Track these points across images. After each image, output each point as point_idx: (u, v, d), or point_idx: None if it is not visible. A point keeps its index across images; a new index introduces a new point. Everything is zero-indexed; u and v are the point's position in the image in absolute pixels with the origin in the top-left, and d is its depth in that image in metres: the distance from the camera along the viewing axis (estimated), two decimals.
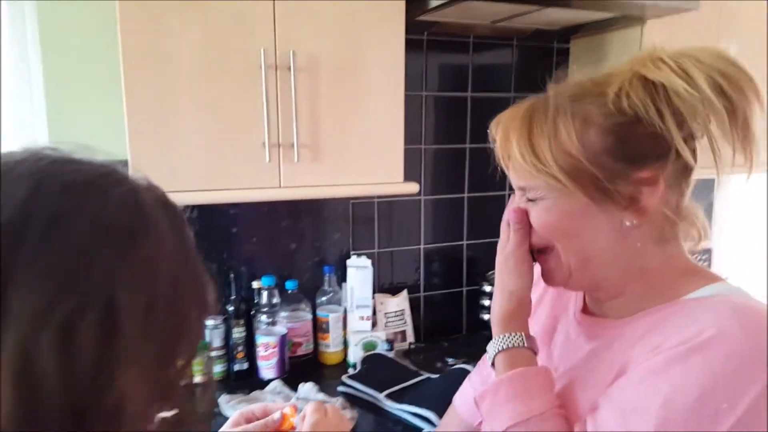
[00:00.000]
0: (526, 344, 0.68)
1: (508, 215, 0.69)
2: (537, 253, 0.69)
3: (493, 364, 0.69)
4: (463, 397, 1.06)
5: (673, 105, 0.58)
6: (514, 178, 0.67)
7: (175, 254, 0.43)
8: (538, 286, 0.82)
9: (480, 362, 1.07)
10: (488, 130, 0.69)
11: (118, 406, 0.38)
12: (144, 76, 1.16)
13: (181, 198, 1.30)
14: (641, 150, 0.60)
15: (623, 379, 0.60)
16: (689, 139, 0.60)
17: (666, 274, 0.65)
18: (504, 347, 0.67)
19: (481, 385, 1.03)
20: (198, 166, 1.22)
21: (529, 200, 0.66)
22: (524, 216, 0.67)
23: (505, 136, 0.65)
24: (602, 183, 0.60)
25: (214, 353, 1.51)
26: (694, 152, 0.62)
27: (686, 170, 0.62)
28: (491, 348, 0.69)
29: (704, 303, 0.60)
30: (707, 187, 2.26)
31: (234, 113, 1.22)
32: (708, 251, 2.23)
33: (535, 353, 0.69)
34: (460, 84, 1.75)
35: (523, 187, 0.66)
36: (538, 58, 1.81)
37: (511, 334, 0.68)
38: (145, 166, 1.17)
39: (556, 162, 0.60)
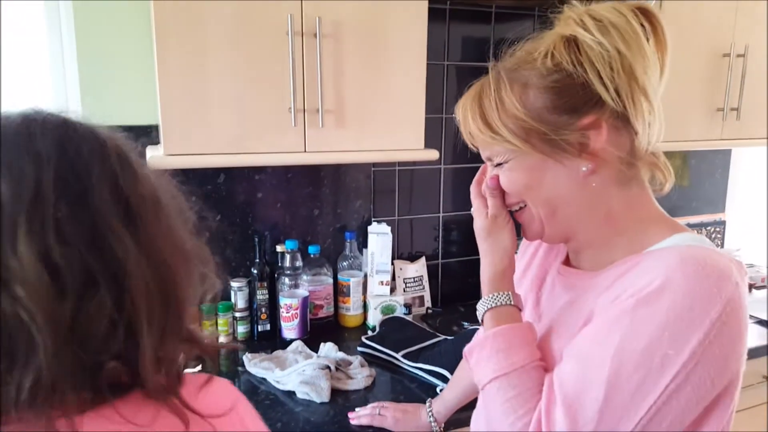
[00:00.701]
0: (512, 302, 0.73)
1: (482, 186, 0.77)
2: (514, 213, 0.76)
3: (483, 322, 0.74)
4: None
5: (584, 53, 0.65)
6: (480, 151, 0.75)
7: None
8: (533, 242, 0.88)
9: None
10: (453, 116, 0.76)
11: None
12: (175, 42, 1.19)
13: (210, 160, 1.35)
14: (576, 100, 0.66)
15: (584, 331, 0.65)
16: (606, 87, 0.65)
17: (632, 220, 0.70)
18: (492, 305, 0.73)
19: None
20: (226, 130, 1.26)
21: (496, 166, 0.73)
22: (498, 182, 0.74)
23: (463, 116, 0.73)
24: (549, 136, 0.66)
25: (238, 314, 1.58)
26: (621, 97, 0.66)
27: (625, 113, 0.66)
28: (481, 307, 0.74)
29: (659, 254, 0.65)
30: (724, 159, 2.26)
31: (261, 79, 1.26)
32: (722, 223, 2.23)
33: (520, 310, 0.75)
34: (481, 54, 1.76)
35: (489, 157, 0.74)
36: None
37: (499, 293, 0.73)
38: (176, 130, 1.23)
39: (506, 127, 0.68)
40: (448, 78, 1.74)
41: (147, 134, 1.47)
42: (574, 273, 0.76)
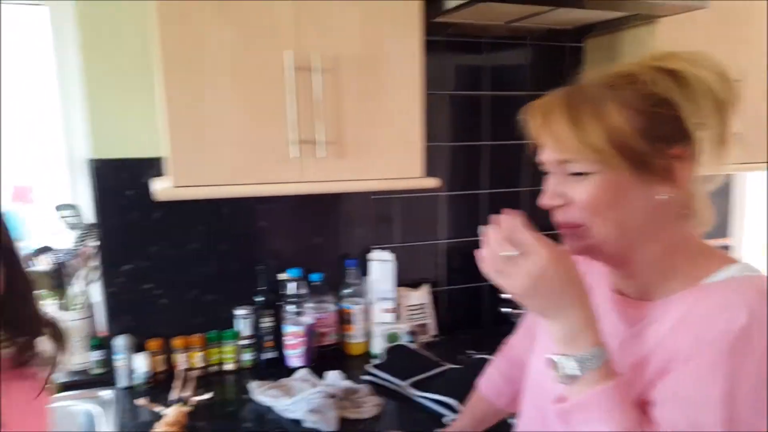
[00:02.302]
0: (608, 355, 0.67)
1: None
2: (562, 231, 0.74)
3: (584, 375, 0.66)
4: (488, 382, 1.11)
5: (687, 89, 0.67)
6: (555, 153, 0.71)
7: None
8: None
9: (506, 348, 1.11)
10: (519, 117, 0.74)
11: None
12: (182, 79, 1.23)
13: (216, 191, 1.39)
14: (670, 129, 0.68)
15: (677, 375, 0.65)
16: (699, 124, 0.68)
17: (686, 252, 0.72)
18: (605, 359, 0.66)
19: (509, 369, 1.06)
20: (230, 162, 1.29)
21: (572, 174, 0.71)
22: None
23: (545, 118, 0.71)
24: (644, 156, 0.67)
25: (243, 342, 1.58)
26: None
27: (696, 154, 0.69)
28: (587, 363, 0.66)
29: (728, 287, 0.66)
30: (724, 185, 2.26)
31: (263, 113, 1.29)
32: (726, 248, 2.24)
33: None
34: (477, 83, 1.80)
35: (565, 160, 0.71)
36: (552, 57, 1.86)
37: (602, 346, 0.67)
38: (183, 163, 1.26)
39: (604, 137, 0.67)
40: (446, 107, 1.78)
41: (151, 167, 1.50)
42: (632, 303, 0.75)
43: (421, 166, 1.44)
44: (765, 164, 1.84)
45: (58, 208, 1.55)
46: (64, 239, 1.58)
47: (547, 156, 0.73)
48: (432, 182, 1.47)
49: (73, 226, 1.56)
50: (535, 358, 0.88)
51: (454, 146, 1.80)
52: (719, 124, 0.67)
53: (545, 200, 0.74)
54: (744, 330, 0.61)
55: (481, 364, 1.20)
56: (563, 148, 0.70)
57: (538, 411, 0.84)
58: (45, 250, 1.57)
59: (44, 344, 0.78)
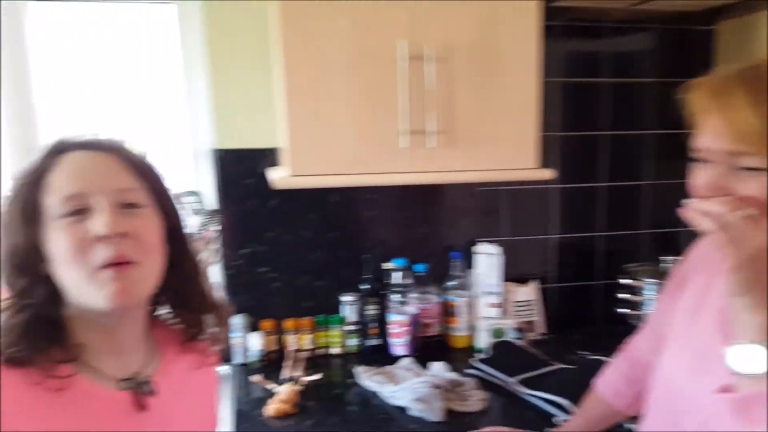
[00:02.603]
0: None
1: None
2: None
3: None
4: (606, 382, 1.06)
5: None
6: (724, 141, 0.64)
7: None
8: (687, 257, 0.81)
9: (627, 348, 1.05)
10: (678, 95, 0.67)
11: None
12: (301, 73, 1.27)
13: (331, 181, 1.42)
14: None
15: None
16: None
17: None
18: None
19: (630, 370, 1.01)
20: (343, 152, 1.32)
21: (743, 168, 0.63)
22: None
23: (717, 100, 0.64)
24: None
25: (349, 328, 1.62)
26: None
27: None
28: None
29: None
30: None
31: (375, 103, 1.31)
32: None
33: None
34: (595, 70, 1.71)
35: (737, 152, 0.63)
36: (678, 42, 1.72)
37: None
38: (299, 152, 1.31)
39: None
40: (563, 95, 1.70)
41: (269, 157, 1.57)
42: None
43: (535, 156, 1.39)
44: None
45: (184, 194, 1.67)
46: (188, 223, 1.70)
47: (709, 143, 0.65)
48: (546, 174, 1.41)
49: (196, 212, 1.67)
50: (667, 360, 0.82)
51: (567, 136, 1.72)
52: None
53: (703, 192, 0.66)
54: None
55: (596, 366, 1.14)
56: (740, 137, 0.62)
57: (668, 413, 0.79)
58: None
59: (210, 321, 0.82)
